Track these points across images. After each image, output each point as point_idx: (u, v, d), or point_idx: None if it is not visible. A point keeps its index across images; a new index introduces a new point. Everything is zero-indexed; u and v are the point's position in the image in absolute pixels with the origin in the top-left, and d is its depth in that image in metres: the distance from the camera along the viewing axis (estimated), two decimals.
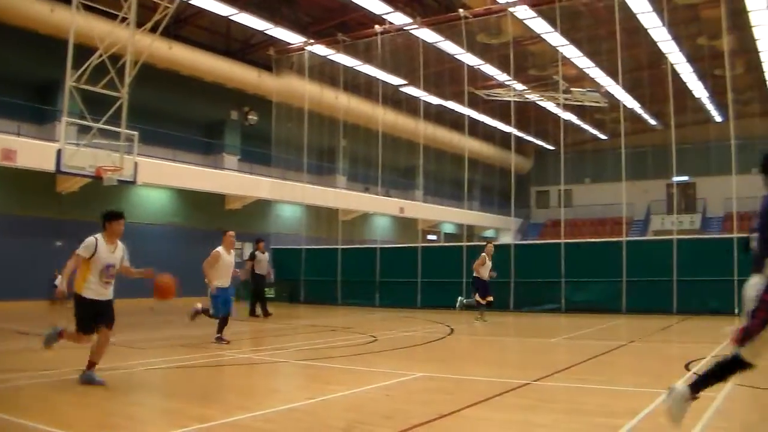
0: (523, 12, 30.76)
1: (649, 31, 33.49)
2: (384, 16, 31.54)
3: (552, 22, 31.28)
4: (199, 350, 13.16)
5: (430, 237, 49.49)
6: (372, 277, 28.34)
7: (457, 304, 21.31)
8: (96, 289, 9.04)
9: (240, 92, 35.27)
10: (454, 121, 44.58)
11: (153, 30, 23.43)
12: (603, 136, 54.85)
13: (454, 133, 44.56)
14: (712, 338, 14.76)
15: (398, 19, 31.65)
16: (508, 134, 42.19)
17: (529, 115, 47.26)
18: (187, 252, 31.37)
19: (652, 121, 50.63)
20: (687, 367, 10.59)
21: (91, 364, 9.06)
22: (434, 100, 42.14)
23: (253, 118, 37.26)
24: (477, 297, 20.07)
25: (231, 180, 34.10)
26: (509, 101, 39.01)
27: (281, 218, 38.19)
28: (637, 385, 9.39)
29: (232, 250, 14.63)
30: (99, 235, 9.18)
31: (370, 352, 13.22)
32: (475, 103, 40.35)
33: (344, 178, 43.16)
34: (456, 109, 43.24)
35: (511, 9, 30.27)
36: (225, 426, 6.90)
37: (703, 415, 7.23)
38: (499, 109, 44.10)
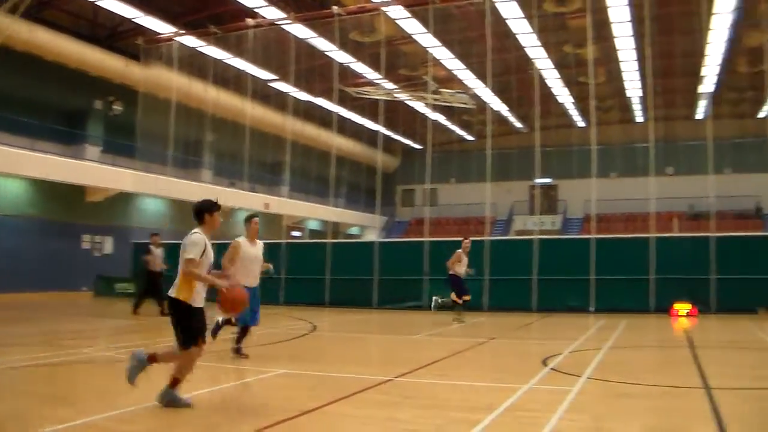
0: (397, 12, 31.02)
1: (518, 36, 34.33)
2: (257, 10, 31.16)
3: (425, 23, 31.62)
4: (56, 348, 12.67)
5: (295, 233, 49.28)
6: None
7: (433, 304, 20.47)
8: (202, 295, 7.78)
9: (105, 81, 34.04)
10: (323, 118, 44.50)
11: (12, 11, 22.49)
12: (470, 137, 55.87)
13: (322, 130, 44.48)
14: (570, 335, 15.26)
15: (271, 13, 31.33)
16: (376, 132, 42.44)
17: (397, 115, 47.61)
18: (43, 245, 30.37)
19: (518, 124, 51.86)
20: (544, 363, 10.90)
21: (176, 382, 7.65)
22: (303, 96, 41.95)
23: (117, 108, 36.08)
24: (453, 296, 19.33)
25: (92, 171, 32.93)
26: (378, 100, 39.27)
27: (144, 212, 37.29)
28: (497, 381, 9.58)
29: (258, 241, 12.09)
30: (199, 230, 7.92)
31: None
32: (344, 100, 40.41)
33: (210, 173, 42.44)
34: (325, 106, 43.20)
35: (384, 8, 30.47)
36: (81, 427, 6.65)
37: (557, 408, 7.55)
38: (368, 108, 44.33)
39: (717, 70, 38.84)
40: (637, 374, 10.33)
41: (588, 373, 9.97)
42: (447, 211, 54.27)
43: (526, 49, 36.32)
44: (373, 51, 35.45)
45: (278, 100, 41.04)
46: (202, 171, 41.59)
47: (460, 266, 19.20)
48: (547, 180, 51.84)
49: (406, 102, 44.71)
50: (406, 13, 31.17)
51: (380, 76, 38.26)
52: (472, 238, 20.32)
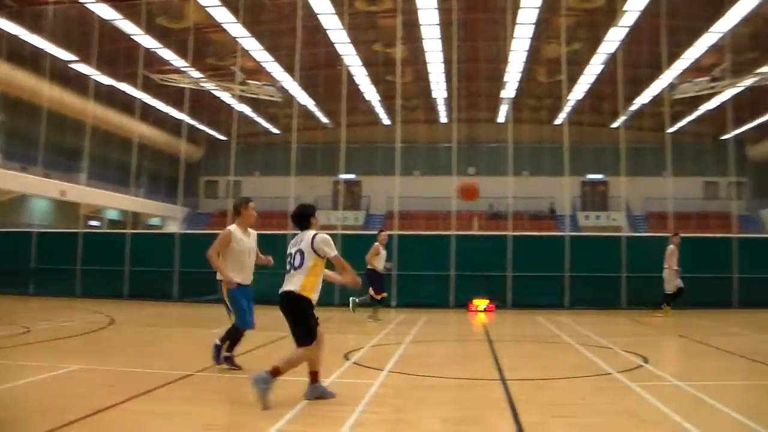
0: None
1: (328, 32, 34.48)
2: None
3: (235, 12, 31.22)
4: None
5: (93, 223, 47.46)
6: (27, 264, 26.50)
7: (351, 305, 18.58)
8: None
9: None
10: (126, 104, 43.02)
11: None
12: (276, 130, 55.59)
13: (124, 116, 42.99)
14: (371, 330, 15.47)
15: None
16: (180, 121, 41.52)
17: (203, 104, 46.81)
18: None
19: (324, 119, 52.14)
20: (346, 357, 10.98)
21: (316, 376, 8.12)
22: (106, 80, 40.38)
23: None
24: (371, 292, 18.22)
25: None
26: (184, 88, 38.40)
27: None
28: (299, 375, 9.48)
29: (251, 230, 10.26)
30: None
31: (22, 344, 12.34)
32: (148, 87, 39.25)
33: None
34: (128, 92, 41.77)
35: None
36: None
37: (359, 402, 7.74)
38: (173, 96, 43.24)
39: (518, 77, 40.64)
40: (436, 367, 10.64)
41: (389, 366, 10.16)
42: None
43: (335, 45, 36.57)
44: (180, 38, 34.70)
45: (79, 83, 39.28)
46: None
47: (378, 260, 18.54)
48: (352, 176, 52.43)
49: (212, 92, 43.97)
50: (216, 1, 30.75)
51: (187, 64, 37.43)
52: (270, 232, 20.07)
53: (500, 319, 20.30)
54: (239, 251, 9.94)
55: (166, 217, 54.82)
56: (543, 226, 44.00)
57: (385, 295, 18.79)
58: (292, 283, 7.99)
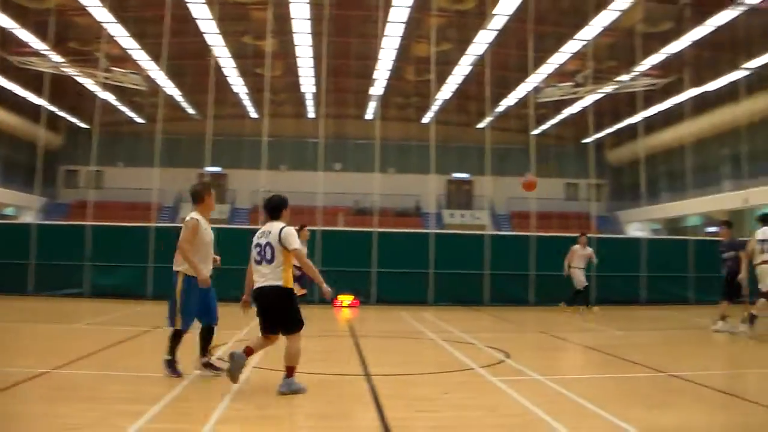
0: None
1: (197, 21, 33.88)
2: None
3: None
4: None
5: None
6: None
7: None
8: None
9: None
10: None
11: None
12: (140, 120, 54.24)
13: None
14: (239, 325, 15.24)
15: None
16: (39, 107, 39.94)
17: (64, 90, 45.14)
18: None
19: (191, 111, 51.28)
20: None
21: (293, 370, 8.35)
22: None
23: None
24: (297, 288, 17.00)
25: None
26: (44, 72, 36.95)
27: None
28: (161, 372, 9.31)
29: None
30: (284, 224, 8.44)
31: None
32: (4, 69, 37.61)
33: None
34: None
35: None
36: None
37: (223, 398, 7.72)
38: (32, 80, 41.55)
39: (387, 74, 41.03)
40: (301, 363, 10.50)
41: (254, 362, 9.99)
42: (113, 195, 52.24)
43: (204, 35, 35.98)
44: (41, 19, 33.35)
45: None
46: None
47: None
48: (217, 169, 51.68)
49: (74, 78, 42.51)
50: None
51: (48, 48, 36.03)
52: (134, 224, 19.56)
53: (364, 314, 20.42)
54: (202, 242, 9.12)
55: (22, 207, 52.66)
56: (408, 223, 44.57)
57: (305, 292, 18.31)
58: (272, 278, 8.24)
